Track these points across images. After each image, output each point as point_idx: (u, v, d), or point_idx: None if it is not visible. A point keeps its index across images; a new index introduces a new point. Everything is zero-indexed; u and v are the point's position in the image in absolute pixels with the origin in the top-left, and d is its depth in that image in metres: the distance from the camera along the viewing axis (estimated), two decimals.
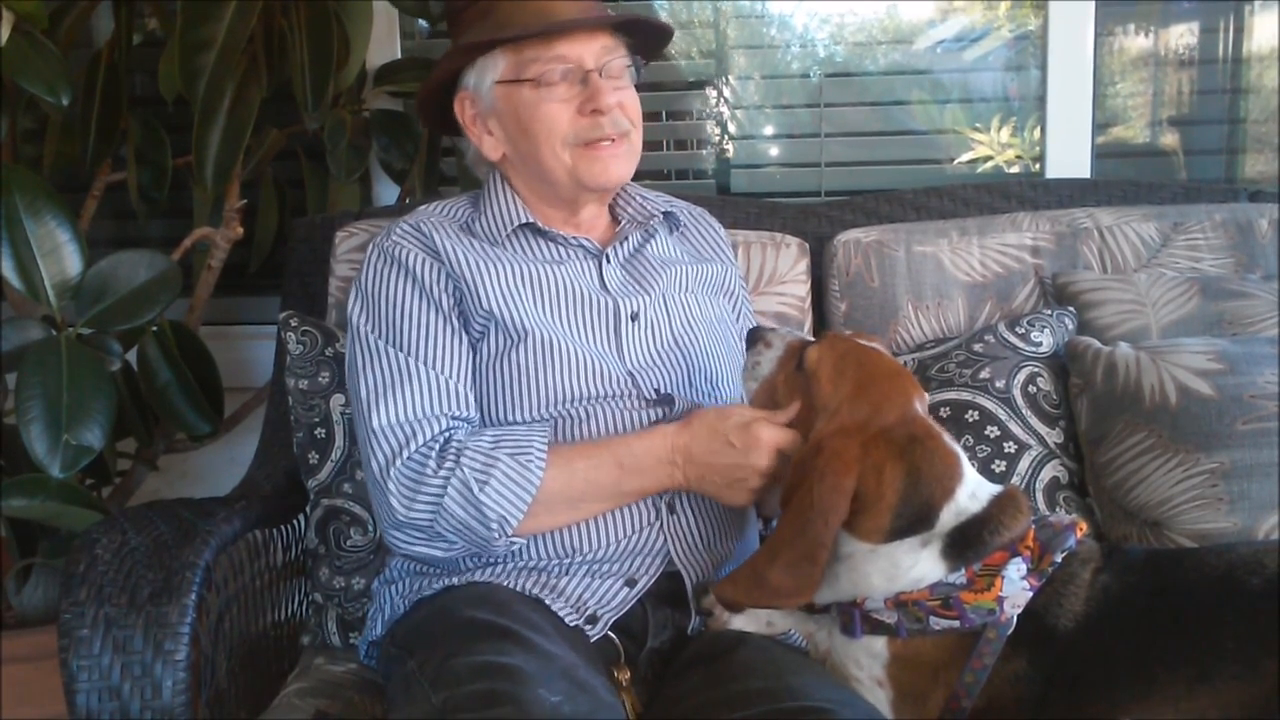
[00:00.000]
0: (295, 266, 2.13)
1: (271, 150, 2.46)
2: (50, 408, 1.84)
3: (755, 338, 1.58)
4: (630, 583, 1.53)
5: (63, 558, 1.80)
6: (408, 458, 1.48)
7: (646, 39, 1.72)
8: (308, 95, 2.16)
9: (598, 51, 1.61)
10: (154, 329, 2.18)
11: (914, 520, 1.38)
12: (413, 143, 2.45)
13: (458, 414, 1.54)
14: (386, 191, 2.63)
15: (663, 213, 1.78)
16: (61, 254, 1.96)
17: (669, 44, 1.81)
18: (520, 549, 1.53)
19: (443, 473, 1.46)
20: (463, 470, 1.46)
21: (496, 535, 1.47)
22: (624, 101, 1.64)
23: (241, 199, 2.29)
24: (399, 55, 2.63)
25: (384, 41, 2.60)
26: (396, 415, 1.51)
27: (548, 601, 1.48)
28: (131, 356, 2.18)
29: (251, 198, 2.40)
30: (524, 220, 1.66)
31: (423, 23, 2.69)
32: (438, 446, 1.49)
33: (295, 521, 1.90)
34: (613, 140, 1.63)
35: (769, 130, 2.76)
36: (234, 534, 1.64)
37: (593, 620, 1.49)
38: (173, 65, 2.10)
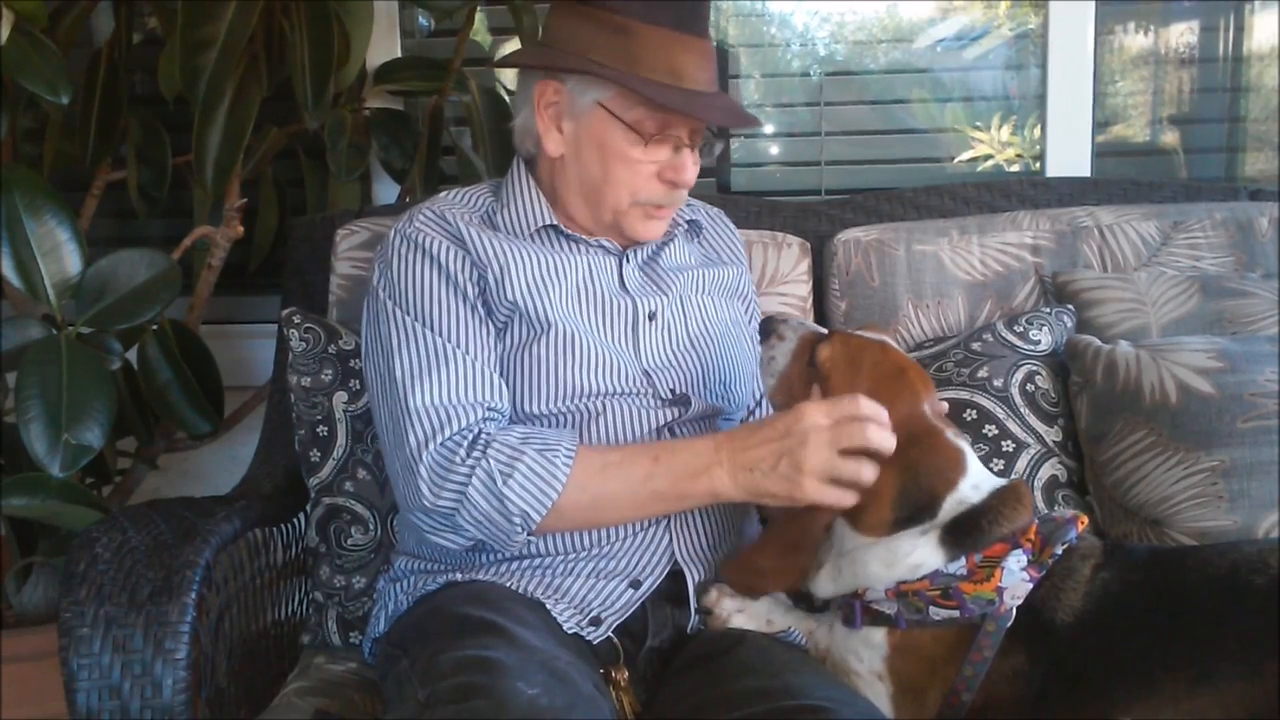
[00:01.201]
0: (295, 265, 2.13)
1: (271, 149, 2.46)
2: (50, 407, 1.84)
3: (769, 330, 1.57)
4: (635, 584, 1.53)
5: (62, 557, 1.79)
6: (441, 442, 1.47)
7: None
8: (308, 94, 2.16)
9: (695, 125, 1.60)
10: (154, 328, 2.18)
11: (916, 511, 1.41)
12: (413, 141, 2.45)
13: (493, 405, 1.52)
14: (386, 190, 2.63)
15: (688, 220, 1.78)
16: (61, 253, 1.96)
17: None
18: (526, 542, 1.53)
19: (469, 462, 1.45)
20: (488, 462, 1.45)
21: (519, 530, 1.46)
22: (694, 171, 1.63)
23: (241, 198, 2.29)
24: (399, 54, 2.63)
25: (384, 40, 2.59)
26: (436, 397, 1.49)
27: (549, 605, 1.48)
28: (131, 355, 2.18)
29: (251, 197, 2.40)
30: (547, 222, 1.65)
31: (423, 21, 2.69)
32: (470, 437, 1.48)
33: (295, 520, 1.90)
34: (665, 206, 1.64)
35: (769, 129, 2.76)
36: (234, 533, 1.64)
37: (596, 622, 1.49)
38: (173, 64, 2.10)
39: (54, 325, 1.98)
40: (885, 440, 1.38)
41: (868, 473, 1.38)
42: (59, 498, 1.94)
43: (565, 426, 1.56)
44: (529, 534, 1.47)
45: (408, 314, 1.55)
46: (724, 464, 1.43)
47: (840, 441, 1.37)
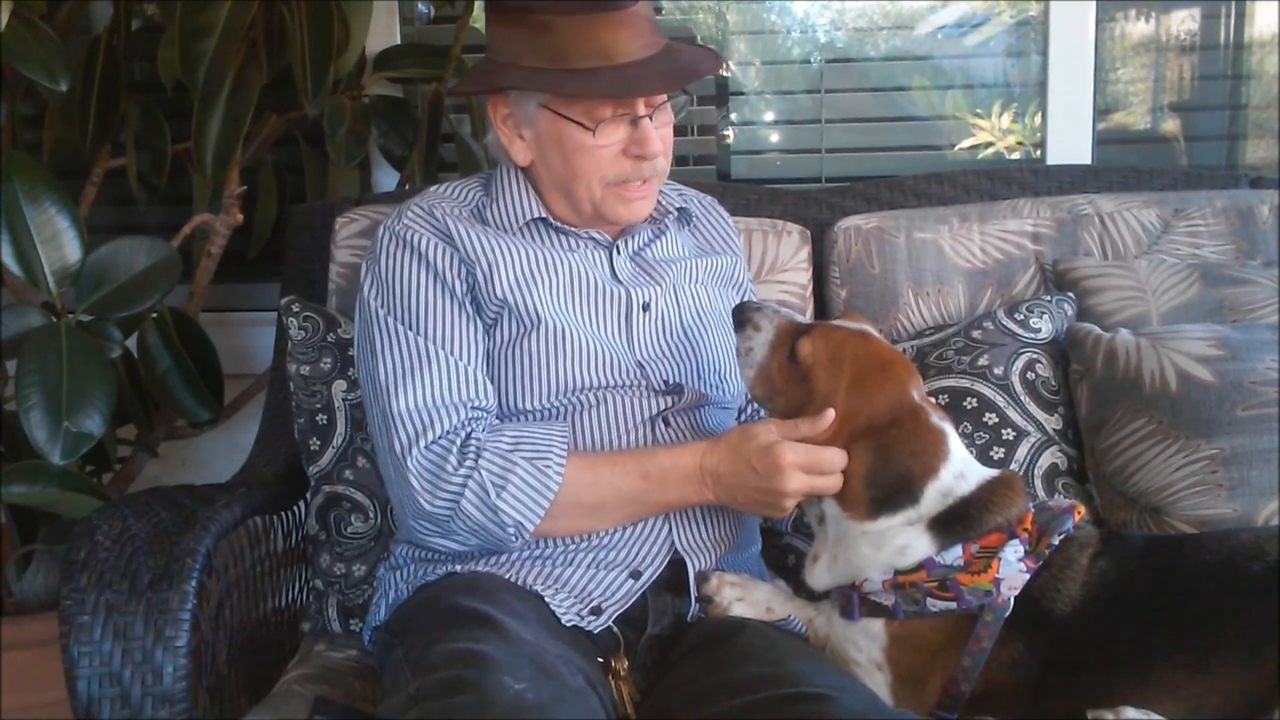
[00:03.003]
0: (295, 253, 2.13)
1: (271, 136, 2.46)
2: (50, 394, 1.84)
3: (743, 319, 1.56)
4: (635, 574, 1.53)
5: (63, 544, 1.80)
6: (426, 446, 1.48)
7: None
8: (308, 82, 2.15)
9: (650, 94, 1.58)
10: (154, 316, 2.18)
11: (892, 493, 1.41)
12: (412, 129, 2.44)
13: (478, 403, 1.53)
14: (386, 177, 2.63)
15: (677, 208, 1.77)
16: (61, 240, 1.96)
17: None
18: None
19: (462, 471, 1.46)
20: (480, 473, 1.46)
21: (513, 538, 1.48)
22: (665, 137, 1.61)
23: (241, 185, 2.28)
24: (398, 41, 2.62)
25: (383, 27, 2.59)
26: (417, 400, 1.50)
27: (547, 596, 1.48)
28: (131, 343, 2.18)
29: (251, 184, 2.40)
30: (536, 215, 1.65)
31: (422, 8, 2.68)
32: (459, 440, 1.48)
33: (295, 508, 1.90)
34: (645, 181, 1.62)
35: (770, 116, 2.75)
36: (234, 520, 1.64)
37: (597, 612, 1.49)
38: (173, 51, 2.10)
39: (54, 313, 1.98)
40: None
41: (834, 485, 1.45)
42: (59, 485, 1.94)
43: (557, 420, 1.56)
44: (523, 540, 1.49)
45: (390, 314, 1.56)
46: (709, 486, 1.50)
47: (814, 489, 1.45)
